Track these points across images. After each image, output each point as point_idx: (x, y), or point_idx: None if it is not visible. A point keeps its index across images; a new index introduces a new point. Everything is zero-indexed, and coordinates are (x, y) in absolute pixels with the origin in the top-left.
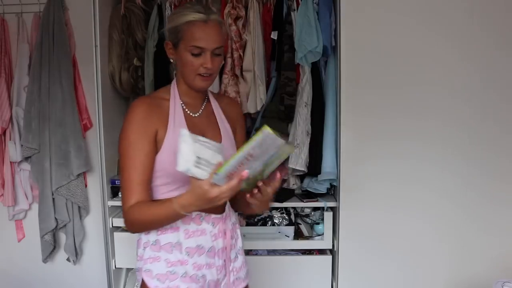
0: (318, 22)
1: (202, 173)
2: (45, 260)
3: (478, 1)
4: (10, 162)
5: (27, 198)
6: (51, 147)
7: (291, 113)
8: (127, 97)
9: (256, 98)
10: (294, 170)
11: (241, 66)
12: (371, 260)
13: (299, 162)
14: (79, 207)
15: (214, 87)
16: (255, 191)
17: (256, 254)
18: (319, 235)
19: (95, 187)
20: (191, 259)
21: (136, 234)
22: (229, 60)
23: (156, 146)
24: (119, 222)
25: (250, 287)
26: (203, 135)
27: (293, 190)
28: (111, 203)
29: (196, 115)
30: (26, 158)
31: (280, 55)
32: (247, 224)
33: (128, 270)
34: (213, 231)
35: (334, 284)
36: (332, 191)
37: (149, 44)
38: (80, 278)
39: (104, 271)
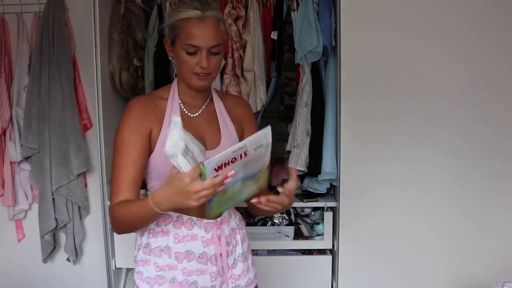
0: (318, 22)
1: (186, 165)
2: (45, 260)
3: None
4: (10, 162)
5: (27, 198)
6: (51, 147)
7: (291, 113)
8: (127, 97)
9: (256, 98)
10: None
11: (242, 66)
12: (371, 260)
13: (299, 162)
14: (79, 207)
15: (216, 88)
16: (263, 199)
17: (256, 254)
18: (319, 235)
19: (95, 187)
20: (180, 264)
21: (134, 234)
22: (229, 60)
23: (150, 145)
24: None
25: None
26: (200, 137)
27: None
28: None
29: (195, 115)
30: (26, 158)
31: (280, 55)
32: (247, 224)
33: (128, 270)
34: (206, 237)
35: (334, 284)
36: (332, 191)
37: (149, 44)
38: (80, 278)
39: (104, 271)
